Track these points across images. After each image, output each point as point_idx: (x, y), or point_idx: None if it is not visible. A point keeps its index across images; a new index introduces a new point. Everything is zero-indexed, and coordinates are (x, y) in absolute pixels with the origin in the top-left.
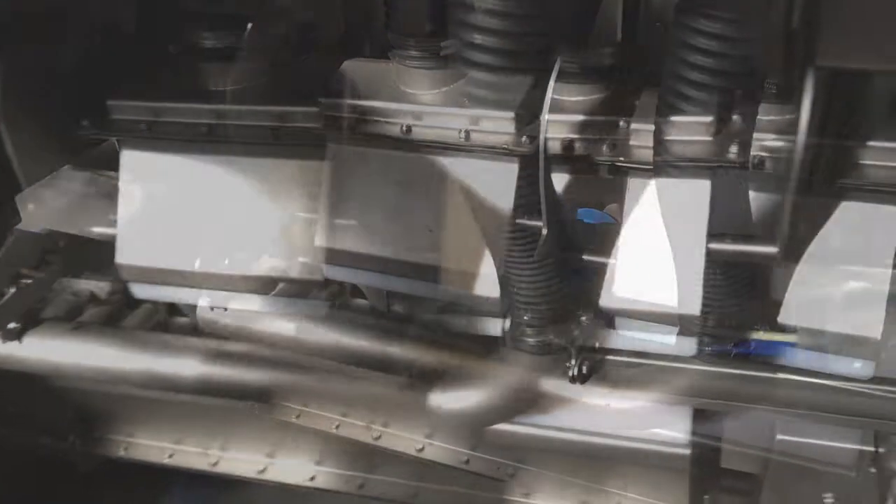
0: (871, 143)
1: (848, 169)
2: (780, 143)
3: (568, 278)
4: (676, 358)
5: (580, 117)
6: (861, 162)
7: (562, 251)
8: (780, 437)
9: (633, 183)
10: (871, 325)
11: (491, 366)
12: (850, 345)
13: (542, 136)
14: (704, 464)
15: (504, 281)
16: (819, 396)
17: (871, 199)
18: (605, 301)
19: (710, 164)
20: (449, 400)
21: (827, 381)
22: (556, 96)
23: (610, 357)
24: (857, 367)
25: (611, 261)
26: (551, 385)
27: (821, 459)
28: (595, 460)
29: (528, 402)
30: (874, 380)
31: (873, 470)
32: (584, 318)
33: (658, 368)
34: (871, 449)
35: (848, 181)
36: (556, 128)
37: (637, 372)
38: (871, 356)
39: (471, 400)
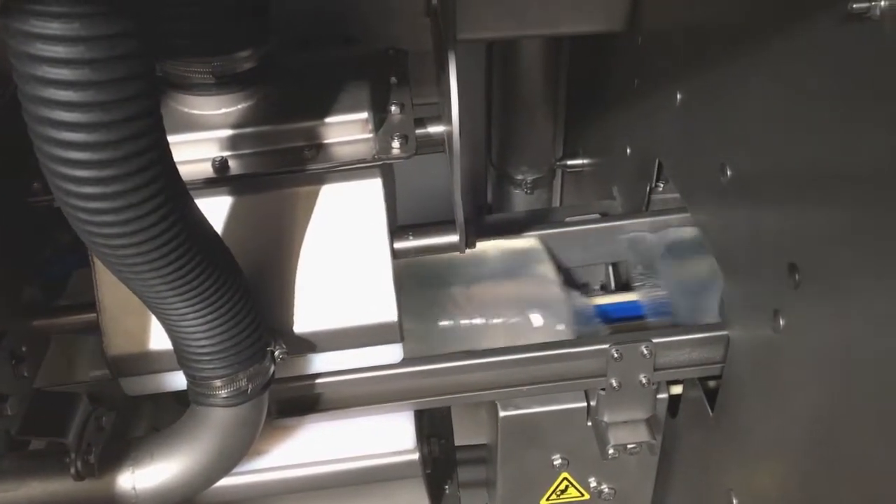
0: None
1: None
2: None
3: (255, 311)
4: (381, 367)
5: (229, 131)
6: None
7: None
8: (502, 413)
9: (297, 194)
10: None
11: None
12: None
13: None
14: (438, 457)
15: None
16: (530, 367)
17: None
18: (299, 328)
19: (374, 163)
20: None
21: (537, 352)
22: (197, 111)
23: (318, 381)
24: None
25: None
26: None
27: (543, 425)
28: (328, 490)
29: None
30: (576, 342)
31: (590, 424)
32: (278, 353)
33: (366, 381)
34: (584, 405)
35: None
36: (201, 148)
37: (345, 391)
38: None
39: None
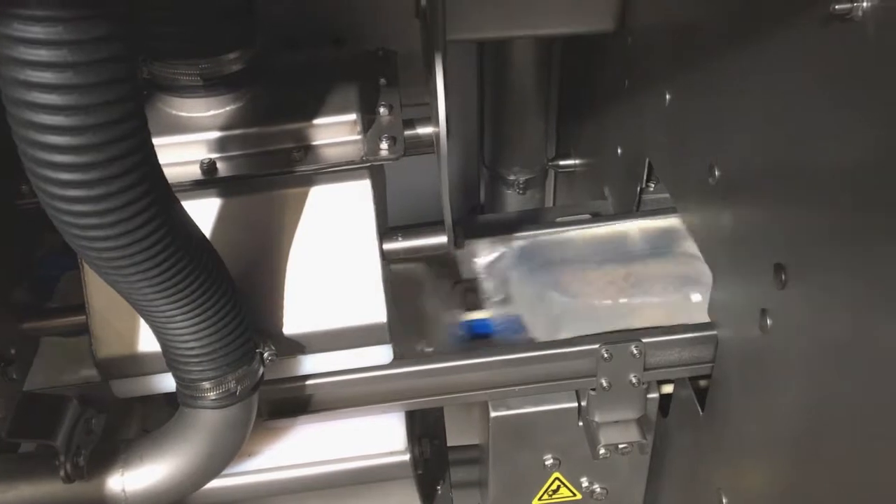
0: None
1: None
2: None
3: (243, 313)
4: (372, 368)
5: (217, 133)
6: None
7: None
8: (493, 413)
9: (286, 195)
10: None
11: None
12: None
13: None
14: (430, 458)
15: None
16: (521, 367)
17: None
18: (288, 330)
19: (363, 165)
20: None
21: (528, 352)
22: (185, 114)
23: (309, 382)
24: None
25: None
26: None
27: (534, 425)
28: (319, 491)
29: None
30: (567, 342)
31: (581, 424)
32: (267, 355)
33: (357, 382)
34: (575, 405)
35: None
36: (189, 150)
37: (335, 392)
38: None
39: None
